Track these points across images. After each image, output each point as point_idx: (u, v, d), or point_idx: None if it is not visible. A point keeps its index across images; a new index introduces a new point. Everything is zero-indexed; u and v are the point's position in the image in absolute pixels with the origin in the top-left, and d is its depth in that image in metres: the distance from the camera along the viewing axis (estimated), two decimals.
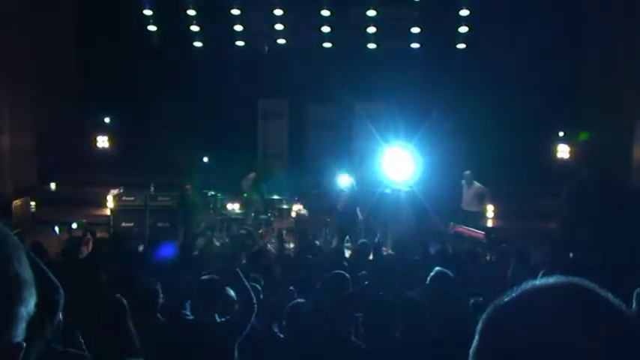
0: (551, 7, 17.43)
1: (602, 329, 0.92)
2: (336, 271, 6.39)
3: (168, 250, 4.69)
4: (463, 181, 14.88)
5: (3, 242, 0.98)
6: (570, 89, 18.26)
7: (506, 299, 1.00)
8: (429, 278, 6.52)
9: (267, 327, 5.37)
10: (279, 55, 19.17)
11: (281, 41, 19.18)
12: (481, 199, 14.73)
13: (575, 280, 0.98)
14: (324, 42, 19.17)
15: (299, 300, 5.11)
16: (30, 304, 1.00)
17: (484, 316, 1.02)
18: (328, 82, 17.87)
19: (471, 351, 1.01)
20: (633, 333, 0.92)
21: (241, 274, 5.20)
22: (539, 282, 1.00)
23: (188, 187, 14.58)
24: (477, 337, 1.01)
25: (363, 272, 7.68)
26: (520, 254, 9.35)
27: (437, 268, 6.71)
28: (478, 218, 14.73)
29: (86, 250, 9.74)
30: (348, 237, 13.11)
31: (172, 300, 6.06)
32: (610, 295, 0.96)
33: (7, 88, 16.41)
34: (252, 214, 14.17)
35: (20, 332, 0.98)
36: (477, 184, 14.74)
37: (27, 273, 1.00)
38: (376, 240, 10.18)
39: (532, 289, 0.99)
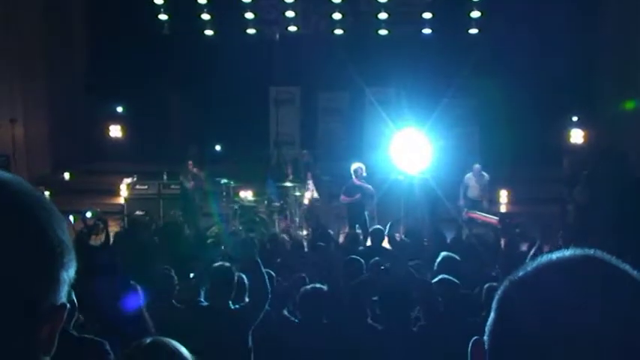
0: None
1: (621, 302, 0.91)
2: (351, 257, 6.40)
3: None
4: (470, 174, 14.54)
5: (44, 208, 1.01)
6: (584, 74, 18.13)
7: (521, 274, 0.99)
8: (436, 263, 6.52)
9: (279, 312, 5.39)
10: (290, 43, 19.14)
11: (292, 28, 19.14)
12: (488, 189, 14.57)
13: (592, 252, 0.97)
14: (335, 29, 19.12)
15: (314, 284, 5.12)
16: (71, 270, 1.03)
17: (499, 291, 1.01)
18: (339, 69, 17.83)
19: (486, 327, 1.00)
20: None
21: (260, 263, 5.22)
22: (555, 255, 0.99)
23: (190, 163, 14.46)
24: (492, 312, 1.00)
25: (376, 258, 7.68)
26: (534, 239, 9.32)
27: (443, 253, 6.71)
28: (484, 205, 14.48)
29: (98, 239, 9.79)
30: (357, 225, 13.07)
31: (187, 287, 6.10)
32: (629, 267, 0.95)
33: (21, 79, 16.48)
34: (265, 202, 14.19)
35: (64, 295, 1.02)
36: (486, 175, 14.55)
37: (68, 240, 1.04)
38: (388, 227, 10.15)
39: (548, 263, 0.98)
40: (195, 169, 14.37)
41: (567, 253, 0.98)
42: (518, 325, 0.95)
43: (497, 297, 1.01)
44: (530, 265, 1.00)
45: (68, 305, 1.03)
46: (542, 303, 0.93)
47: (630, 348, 0.88)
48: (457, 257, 6.70)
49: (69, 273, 1.03)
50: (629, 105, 16.83)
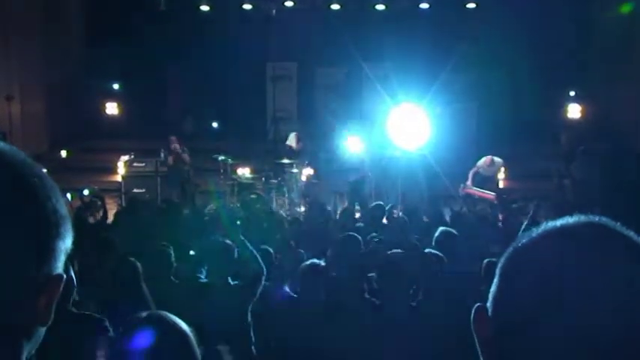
0: None
1: (624, 267, 0.91)
2: (348, 233, 6.41)
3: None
4: (482, 161, 14.35)
5: (40, 178, 1.01)
6: (581, 48, 18.07)
7: (524, 240, 0.99)
8: (434, 239, 6.53)
9: (280, 288, 5.42)
10: (286, 18, 19.01)
11: (289, 4, 18.99)
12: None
13: (597, 218, 0.97)
14: (331, 4, 18.98)
15: (313, 260, 5.14)
16: (67, 240, 1.03)
17: (503, 257, 1.01)
18: (336, 44, 17.76)
19: (490, 293, 1.00)
20: None
21: (245, 241, 5.25)
22: (559, 222, 0.98)
23: (173, 138, 14.40)
24: (496, 279, 1.00)
25: (373, 234, 7.70)
26: (531, 215, 9.34)
27: (441, 228, 6.72)
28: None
29: (96, 216, 9.81)
30: (357, 202, 13.08)
31: (187, 264, 6.12)
32: (634, 234, 0.95)
33: (17, 57, 16.38)
34: (263, 179, 14.19)
35: (60, 265, 1.02)
36: (497, 160, 14.33)
37: (64, 210, 1.03)
38: (386, 203, 10.17)
39: (552, 229, 0.97)
40: (177, 146, 14.29)
41: (571, 219, 0.98)
42: (520, 291, 0.95)
43: (500, 263, 1.01)
44: (534, 232, 0.99)
45: (64, 276, 1.02)
46: (545, 269, 0.93)
47: (630, 310, 0.88)
48: (455, 232, 6.71)
49: (65, 243, 1.02)
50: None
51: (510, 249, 1.00)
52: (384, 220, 9.52)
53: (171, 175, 14.21)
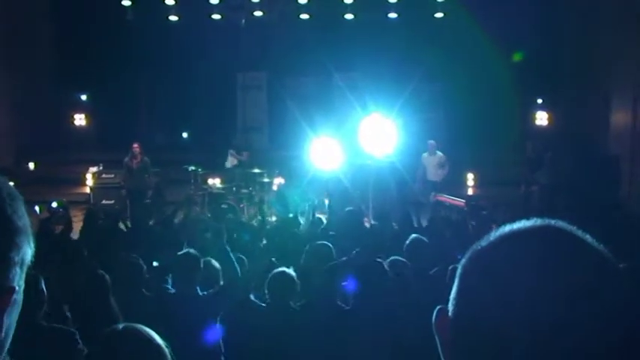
0: None
1: (578, 271, 0.93)
2: (320, 242, 6.43)
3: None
4: (425, 154, 14.81)
5: None
6: (548, 57, 18.32)
7: (484, 243, 1.01)
8: (405, 246, 6.56)
9: (246, 297, 5.41)
10: (256, 28, 19.02)
11: (258, 13, 19.00)
12: (443, 167, 14.66)
13: (553, 222, 0.99)
14: (301, 13, 19.03)
15: (281, 268, 5.14)
16: (24, 252, 1.01)
17: (463, 260, 1.02)
18: (306, 54, 17.82)
19: (451, 296, 1.03)
20: (612, 273, 0.94)
21: (228, 251, 5.24)
22: (515, 225, 1.00)
23: (136, 145, 14.33)
24: (457, 279, 1.02)
25: (357, 250, 7.69)
26: (500, 221, 9.45)
27: (413, 235, 6.75)
28: (442, 187, 14.57)
29: (57, 228, 9.68)
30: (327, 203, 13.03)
31: (155, 274, 6.08)
32: (589, 237, 0.97)
33: None
34: (234, 189, 14.16)
35: (13, 278, 0.99)
36: (439, 153, 14.74)
37: (22, 221, 1.00)
38: (358, 209, 10.18)
39: (508, 232, 0.99)
40: (138, 150, 14.20)
41: (528, 222, 1.00)
42: (477, 292, 0.97)
43: (460, 265, 1.02)
44: (492, 234, 1.01)
45: (16, 288, 0.99)
46: (500, 270, 0.95)
47: (582, 311, 0.90)
48: (425, 239, 6.75)
49: (20, 255, 1.00)
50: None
51: (469, 251, 1.02)
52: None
53: (137, 176, 14.11)
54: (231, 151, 15.46)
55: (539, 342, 0.90)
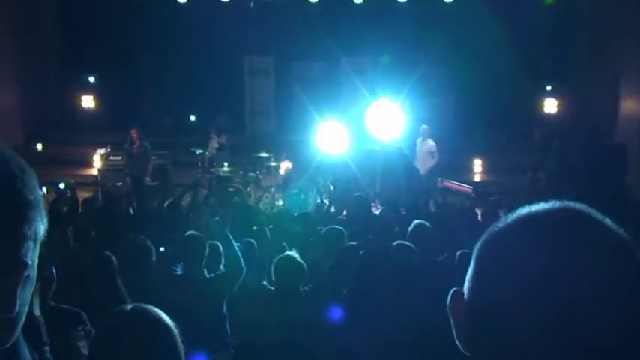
0: None
1: (597, 253, 0.92)
2: (333, 226, 6.42)
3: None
4: (419, 139, 14.35)
5: (6, 162, 0.98)
6: (558, 43, 18.20)
7: (501, 225, 1.00)
8: (408, 232, 6.52)
9: (258, 281, 5.43)
10: (264, 11, 18.93)
11: None
12: (432, 156, 14.18)
13: (572, 204, 0.98)
14: None
15: (287, 252, 5.15)
16: (37, 226, 1.00)
17: (479, 241, 1.02)
18: (314, 38, 17.74)
19: (467, 276, 1.02)
20: (630, 258, 0.93)
21: (230, 237, 5.25)
22: (533, 208, 0.99)
23: (133, 131, 14.24)
24: (472, 262, 1.02)
25: (370, 237, 7.67)
26: (507, 208, 9.44)
27: (416, 221, 6.72)
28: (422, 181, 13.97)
29: (63, 209, 9.71)
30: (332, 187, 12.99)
31: (162, 257, 6.10)
32: (608, 220, 0.96)
33: None
34: (241, 172, 14.16)
35: (26, 252, 0.98)
36: (430, 141, 14.27)
37: (33, 195, 1.00)
38: (366, 195, 10.19)
39: (526, 215, 0.99)
40: (135, 136, 14.15)
41: (546, 205, 0.99)
42: (493, 275, 0.96)
43: (477, 247, 1.02)
44: (509, 217, 1.00)
45: (29, 263, 0.98)
46: (517, 254, 0.95)
47: (601, 295, 0.89)
48: (428, 225, 6.72)
49: (32, 229, 0.99)
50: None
51: (486, 234, 1.02)
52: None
53: (137, 162, 14.08)
54: (212, 133, 15.34)
55: (554, 325, 0.90)
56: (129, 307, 2.19)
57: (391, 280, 4.80)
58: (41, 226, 1.01)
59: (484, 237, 1.01)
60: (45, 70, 18.44)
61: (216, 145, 15.01)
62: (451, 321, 1.03)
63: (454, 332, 1.03)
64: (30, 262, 0.99)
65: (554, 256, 0.91)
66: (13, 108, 17.12)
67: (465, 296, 1.01)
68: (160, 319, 2.15)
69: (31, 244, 0.99)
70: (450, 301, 1.03)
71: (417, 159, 14.22)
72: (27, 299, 1.01)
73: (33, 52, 17.70)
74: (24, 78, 17.42)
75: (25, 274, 0.99)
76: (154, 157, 14.46)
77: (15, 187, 0.97)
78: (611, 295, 0.90)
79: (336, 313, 4.95)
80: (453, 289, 1.03)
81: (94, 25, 17.85)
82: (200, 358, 4.41)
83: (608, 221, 0.96)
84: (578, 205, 0.98)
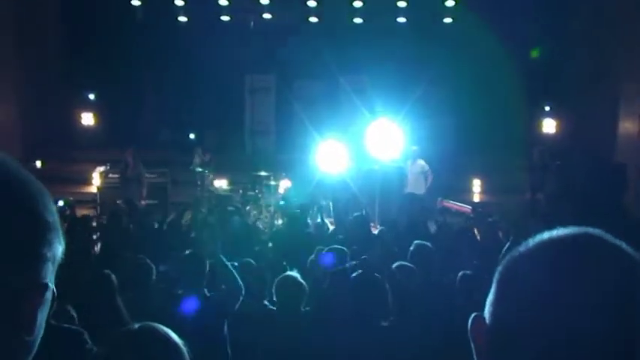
0: None
1: (618, 278, 0.93)
2: (334, 246, 6.41)
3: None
4: (409, 161, 14.10)
5: (27, 184, 0.99)
6: (557, 63, 18.29)
7: (522, 249, 1.01)
8: (409, 252, 6.51)
9: (259, 302, 5.41)
10: (265, 30, 19.04)
11: (267, 16, 19.04)
12: (425, 178, 13.98)
13: (591, 230, 0.99)
14: (310, 16, 19.05)
15: (288, 272, 5.14)
16: (55, 248, 1.00)
17: (500, 266, 1.03)
18: (314, 57, 17.82)
19: (487, 301, 1.03)
20: None
21: (223, 259, 5.22)
22: (555, 232, 1.01)
23: (128, 153, 14.18)
24: (493, 287, 1.03)
25: (364, 257, 7.65)
26: (505, 229, 9.43)
27: (416, 242, 6.71)
28: (421, 202, 13.60)
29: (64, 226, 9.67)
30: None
31: (163, 275, 6.08)
32: (625, 245, 0.98)
33: None
34: (240, 191, 14.17)
35: (45, 274, 0.99)
36: (421, 161, 14.08)
37: (52, 217, 1.00)
38: (365, 214, 10.16)
39: (549, 239, 1.00)
40: (130, 156, 14.10)
41: (567, 230, 1.00)
42: (515, 300, 0.97)
43: (498, 271, 1.03)
44: (531, 242, 1.02)
45: (50, 285, 0.99)
46: (543, 277, 0.96)
47: (625, 320, 0.90)
48: (429, 245, 6.72)
49: (52, 251, 0.99)
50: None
51: (507, 258, 1.03)
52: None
53: (133, 185, 14.01)
54: (197, 150, 15.34)
55: (577, 350, 0.90)
56: (136, 326, 2.18)
57: (389, 302, 4.79)
58: (59, 248, 1.02)
59: (505, 262, 1.03)
60: (45, 86, 18.47)
61: (198, 161, 15.02)
62: (472, 345, 1.04)
63: (475, 356, 1.03)
64: (50, 285, 1.00)
65: (576, 281, 0.93)
66: (13, 124, 17.13)
67: (487, 321, 1.02)
68: (168, 338, 2.14)
69: (50, 266, 1.00)
70: (470, 326, 1.04)
71: (409, 180, 14.01)
72: (44, 321, 1.01)
73: (33, 69, 17.75)
74: (24, 94, 17.45)
75: (45, 296, 0.99)
76: (153, 175, 14.45)
77: (35, 209, 0.98)
78: (635, 318, 0.90)
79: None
80: (473, 314, 1.04)
81: (95, 43, 17.93)
82: None
83: (624, 245, 0.98)
84: (597, 231, 1.00)
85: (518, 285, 0.98)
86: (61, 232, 1.02)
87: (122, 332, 2.18)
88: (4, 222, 0.93)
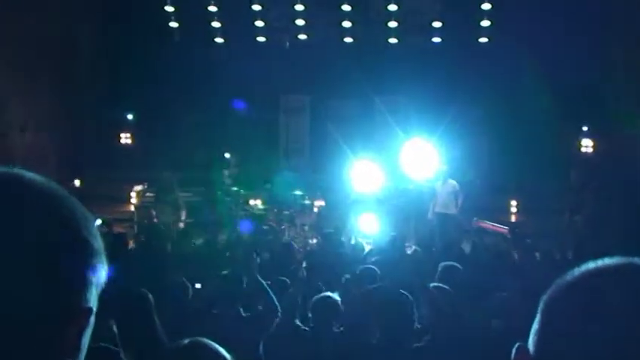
0: (572, 1, 17.25)
1: None
2: (366, 266, 6.40)
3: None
4: (439, 182, 13.85)
5: (73, 209, 1.01)
6: (594, 83, 18.07)
7: (568, 278, 1.01)
8: (437, 274, 6.43)
9: (290, 321, 5.41)
10: (300, 51, 19.18)
11: (302, 37, 19.20)
12: (457, 198, 13.71)
13: (637, 260, 0.99)
14: (345, 37, 19.15)
15: (326, 293, 5.13)
16: (99, 273, 1.02)
17: (546, 295, 1.03)
18: (349, 77, 17.86)
19: (532, 332, 1.02)
20: None
21: (260, 280, 5.24)
22: (600, 262, 1.00)
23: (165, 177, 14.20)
24: (538, 317, 1.02)
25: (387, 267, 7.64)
26: (543, 250, 9.32)
27: (443, 263, 6.64)
28: (456, 222, 13.48)
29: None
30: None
31: (199, 294, 6.12)
32: None
33: (31, 86, 16.55)
34: (275, 210, 14.21)
35: (89, 299, 1.00)
36: (451, 181, 13.84)
37: (96, 241, 1.02)
38: (399, 235, 10.14)
39: (595, 269, 1.00)
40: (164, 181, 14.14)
41: (612, 259, 1.00)
42: (559, 333, 0.97)
43: (543, 301, 1.02)
44: (576, 271, 1.01)
45: (94, 309, 1.01)
46: (590, 307, 0.95)
47: None
48: (458, 266, 6.63)
49: (96, 275, 1.01)
50: None
51: (552, 287, 1.02)
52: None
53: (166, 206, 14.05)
54: (226, 162, 15.47)
55: None
56: (186, 341, 2.20)
57: (421, 323, 4.75)
58: (103, 272, 1.04)
59: (550, 291, 1.02)
60: (84, 106, 18.80)
61: (226, 174, 15.13)
62: None
63: None
64: (94, 309, 1.02)
65: (623, 314, 0.92)
66: (53, 144, 17.45)
67: (532, 351, 1.01)
68: (219, 353, 2.16)
69: (94, 290, 1.02)
70: (514, 356, 1.03)
71: (440, 200, 13.77)
72: (87, 344, 1.03)
73: (73, 89, 18.09)
74: (64, 115, 17.78)
75: (89, 320, 1.01)
76: (189, 194, 14.55)
77: (81, 235, 1.00)
78: None
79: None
80: (517, 344, 1.04)
81: (134, 64, 18.22)
82: None
83: None
84: None
85: (565, 315, 0.97)
86: (104, 257, 1.04)
87: (173, 348, 2.21)
88: (50, 247, 0.95)
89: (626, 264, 0.99)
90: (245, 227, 4.97)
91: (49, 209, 0.99)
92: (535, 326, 1.02)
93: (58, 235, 0.97)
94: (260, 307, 5.33)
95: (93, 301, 1.01)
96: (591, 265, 1.01)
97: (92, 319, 1.02)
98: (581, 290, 0.98)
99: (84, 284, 0.99)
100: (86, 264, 1.00)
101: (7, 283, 0.92)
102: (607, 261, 1.00)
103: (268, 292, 5.20)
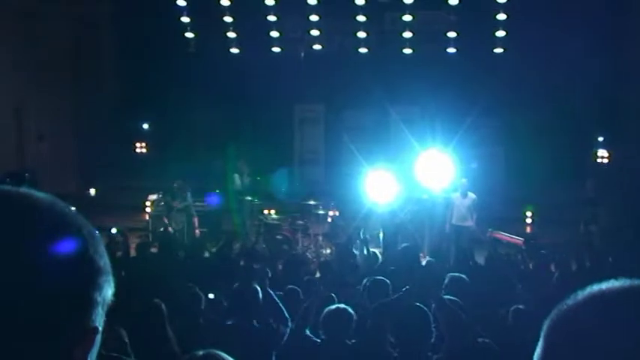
0: (588, 11, 17.18)
1: None
2: (378, 277, 6.37)
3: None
4: (457, 193, 13.76)
5: (79, 229, 1.01)
6: (609, 93, 17.98)
7: (572, 302, 0.99)
8: (444, 285, 6.38)
9: (302, 331, 5.39)
10: (315, 61, 19.22)
11: (317, 47, 19.24)
12: (474, 211, 13.65)
13: None
14: (359, 47, 19.17)
15: (339, 305, 5.11)
16: (105, 292, 1.02)
17: (549, 320, 1.01)
18: (364, 87, 17.87)
19: (535, 356, 1.01)
20: None
21: (270, 291, 5.23)
22: (604, 285, 0.98)
23: (176, 185, 14.25)
24: (541, 341, 1.00)
25: (407, 287, 7.56)
26: (558, 261, 9.26)
27: (450, 274, 6.59)
28: (471, 234, 13.38)
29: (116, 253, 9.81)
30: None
31: (212, 304, 6.12)
32: None
33: (48, 96, 16.70)
34: (289, 220, 14.21)
35: (95, 318, 1.01)
36: (472, 194, 13.78)
37: (102, 261, 1.03)
38: (414, 245, 10.10)
39: (598, 293, 0.98)
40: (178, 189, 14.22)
41: (617, 283, 0.98)
42: (563, 356, 0.95)
43: (546, 325, 1.00)
44: (580, 295, 0.99)
45: (100, 329, 1.01)
46: (589, 335, 0.93)
47: None
48: (464, 277, 6.58)
49: (102, 295, 1.01)
50: None
51: (556, 312, 1.00)
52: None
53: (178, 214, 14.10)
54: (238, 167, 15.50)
55: None
56: (200, 352, 2.20)
57: (438, 334, 4.72)
58: (109, 291, 1.04)
59: (553, 315, 1.00)
60: (101, 116, 18.94)
61: (238, 183, 15.14)
62: None
63: None
64: (99, 328, 1.02)
65: (629, 336, 0.90)
66: (68, 153, 17.58)
67: None
68: None
69: (100, 309, 1.02)
70: None
71: (458, 213, 13.72)
72: None
73: (90, 99, 18.23)
74: (79, 123, 17.92)
75: (95, 340, 1.01)
76: (203, 204, 14.61)
77: (87, 254, 1.00)
78: None
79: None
80: None
81: (149, 74, 18.33)
82: None
83: None
84: None
85: (568, 340, 0.96)
86: (111, 275, 1.04)
87: (188, 359, 2.21)
88: (57, 268, 0.96)
89: (632, 287, 0.96)
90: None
91: (56, 229, 0.99)
92: (537, 350, 1.00)
93: (64, 255, 0.97)
94: (271, 320, 5.32)
95: (99, 321, 1.02)
96: (594, 289, 0.98)
97: (98, 338, 1.02)
98: (581, 315, 0.96)
99: (90, 304, 1.00)
100: (92, 283, 1.00)
101: (13, 303, 0.92)
102: (610, 284, 0.98)
103: (278, 304, 5.20)
